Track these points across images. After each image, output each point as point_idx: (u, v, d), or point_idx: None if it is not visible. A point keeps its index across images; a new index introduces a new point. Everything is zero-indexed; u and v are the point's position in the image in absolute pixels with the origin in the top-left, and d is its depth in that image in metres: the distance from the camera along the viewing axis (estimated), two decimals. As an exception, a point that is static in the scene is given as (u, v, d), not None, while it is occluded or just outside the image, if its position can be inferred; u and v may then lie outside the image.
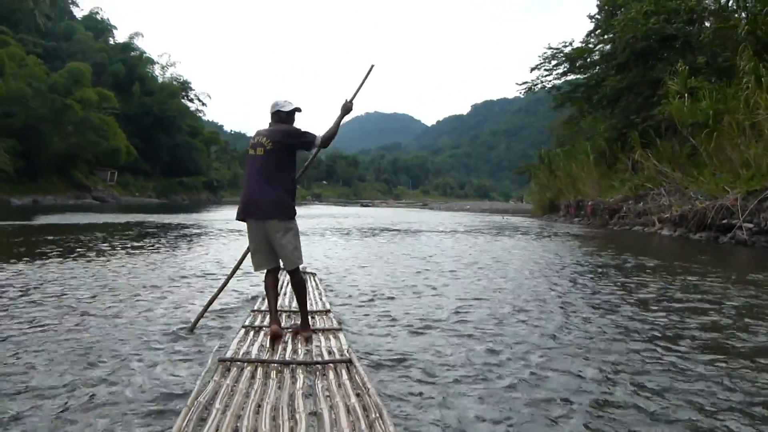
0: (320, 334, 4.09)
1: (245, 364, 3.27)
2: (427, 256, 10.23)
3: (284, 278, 5.95)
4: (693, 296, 6.29)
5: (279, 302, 4.68)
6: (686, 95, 17.18)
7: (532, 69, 32.81)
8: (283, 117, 4.07)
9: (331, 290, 6.35)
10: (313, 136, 4.00)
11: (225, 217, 25.81)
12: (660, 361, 3.81)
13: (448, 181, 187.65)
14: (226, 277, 4.85)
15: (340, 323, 4.51)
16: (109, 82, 59.97)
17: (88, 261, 8.42)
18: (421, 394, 3.08)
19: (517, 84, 34.48)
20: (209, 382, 2.93)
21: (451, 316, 5.08)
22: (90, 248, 10.30)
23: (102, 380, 3.18)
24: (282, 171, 3.91)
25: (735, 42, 17.26)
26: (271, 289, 4.04)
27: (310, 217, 28.94)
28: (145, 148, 61.14)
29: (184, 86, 75.19)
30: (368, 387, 2.84)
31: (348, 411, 2.57)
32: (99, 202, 45.23)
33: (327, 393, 2.86)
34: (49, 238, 12.31)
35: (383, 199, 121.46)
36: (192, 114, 75.68)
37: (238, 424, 2.39)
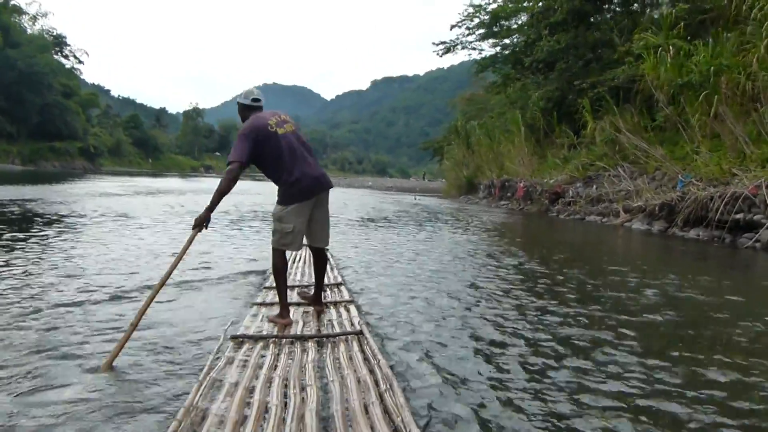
0: (332, 306, 4.09)
1: (257, 340, 3.22)
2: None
3: (292, 255, 6.07)
4: None
5: (290, 278, 4.81)
6: (669, 49, 13.34)
7: (452, 27, 28.52)
8: (261, 110, 3.79)
9: None
10: None
11: (79, 191, 18.81)
12: None
13: (346, 155, 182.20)
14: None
15: (351, 295, 4.47)
16: (-35, 31, 50.57)
17: None
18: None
19: (434, 44, 29.73)
20: (221, 357, 2.89)
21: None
22: None
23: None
24: None
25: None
26: (285, 275, 3.77)
27: (182, 192, 22.63)
28: (9, 108, 52.87)
29: (58, 40, 66.03)
30: (379, 359, 2.82)
31: (359, 382, 2.56)
32: (-60, 167, 35.41)
33: (338, 365, 2.85)
34: None
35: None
36: (67, 72, 66.20)
37: (250, 398, 2.38)
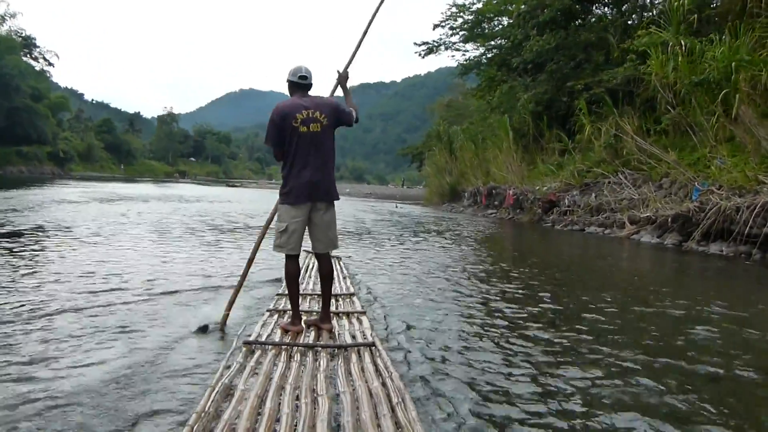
0: (344, 317, 4.00)
1: (269, 346, 3.19)
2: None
3: (306, 262, 6.01)
4: None
5: (302, 286, 4.87)
6: (682, 44, 12.19)
7: (435, 26, 27.32)
8: (309, 88, 3.68)
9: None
10: (352, 111, 3.72)
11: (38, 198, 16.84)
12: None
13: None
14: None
15: (363, 307, 4.36)
16: (-71, 31, 48.18)
17: None
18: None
19: (416, 44, 28.49)
20: (233, 363, 2.86)
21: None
22: None
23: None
24: (333, 149, 3.68)
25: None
26: (296, 281, 3.67)
27: (146, 199, 20.73)
28: (-27, 110, 50.63)
29: (27, 41, 63.45)
30: (391, 371, 2.77)
31: (370, 394, 2.50)
32: None
33: (350, 376, 2.78)
34: None
35: (255, 179, 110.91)
36: (36, 74, 63.38)
37: (261, 406, 2.34)
